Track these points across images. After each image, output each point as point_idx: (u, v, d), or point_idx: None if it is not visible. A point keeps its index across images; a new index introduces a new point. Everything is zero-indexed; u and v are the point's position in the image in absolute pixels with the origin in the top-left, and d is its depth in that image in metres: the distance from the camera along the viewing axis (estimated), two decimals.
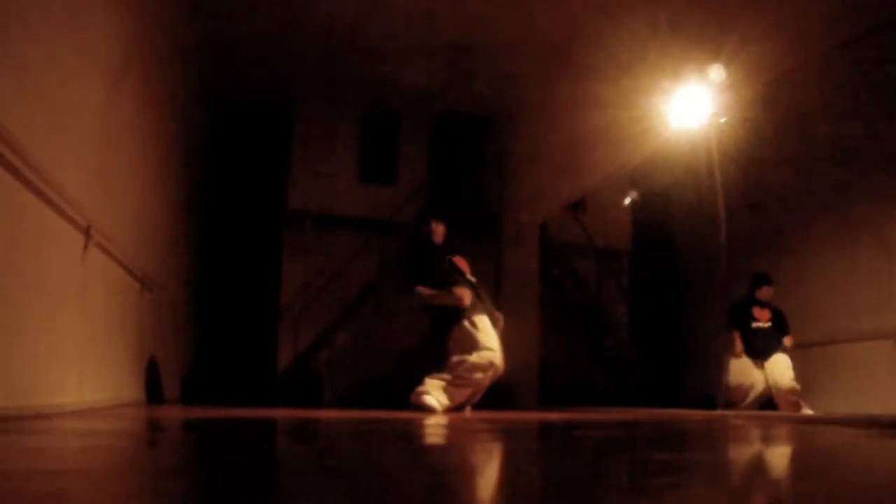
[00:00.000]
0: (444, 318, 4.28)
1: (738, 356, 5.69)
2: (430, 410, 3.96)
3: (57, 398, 2.92)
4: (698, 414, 5.11)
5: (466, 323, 4.18)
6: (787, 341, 5.56)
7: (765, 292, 5.74)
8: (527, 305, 7.99)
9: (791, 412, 5.28)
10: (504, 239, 8.57)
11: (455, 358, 4.14)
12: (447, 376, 4.13)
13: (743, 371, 5.63)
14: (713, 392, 7.14)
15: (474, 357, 4.09)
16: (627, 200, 9.36)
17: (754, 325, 5.68)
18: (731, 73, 4.75)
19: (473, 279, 4.47)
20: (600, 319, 9.25)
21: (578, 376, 8.74)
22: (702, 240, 8.25)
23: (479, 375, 4.10)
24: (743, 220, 7.09)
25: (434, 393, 4.07)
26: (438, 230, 4.55)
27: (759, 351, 5.59)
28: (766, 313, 5.69)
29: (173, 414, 3.61)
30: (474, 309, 4.23)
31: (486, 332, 4.18)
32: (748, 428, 3.16)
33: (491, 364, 4.12)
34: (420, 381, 4.18)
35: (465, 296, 4.20)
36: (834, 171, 6.31)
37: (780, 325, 5.65)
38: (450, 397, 4.10)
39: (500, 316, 4.46)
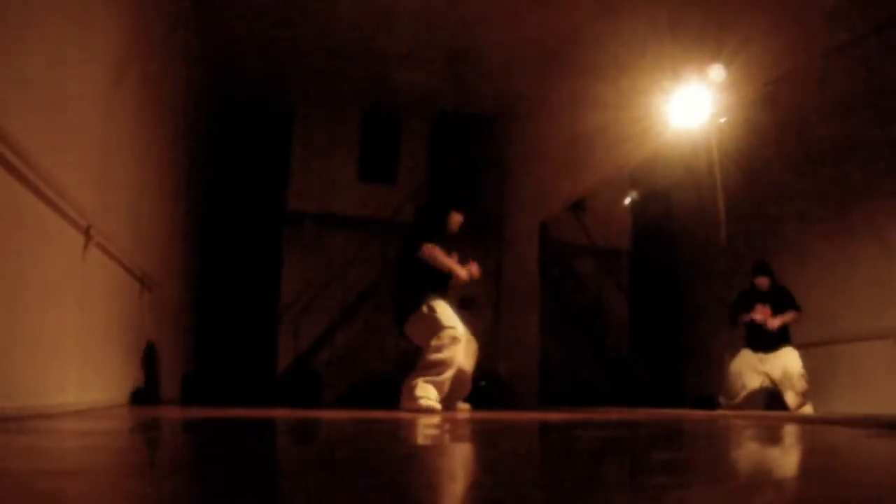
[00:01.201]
0: (403, 308, 4.29)
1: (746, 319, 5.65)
2: (430, 411, 3.94)
3: (57, 398, 2.92)
4: (698, 414, 5.11)
5: (424, 308, 4.16)
6: (787, 317, 5.45)
7: (761, 281, 5.69)
8: (527, 305, 8.00)
9: (797, 402, 5.26)
10: (504, 239, 8.57)
11: (423, 353, 4.15)
12: (420, 374, 4.11)
13: (744, 364, 5.59)
14: (713, 392, 7.14)
15: (434, 341, 4.07)
16: (627, 200, 9.35)
17: (761, 325, 5.60)
18: (731, 73, 4.75)
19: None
20: (600, 319, 9.25)
21: (578, 376, 8.73)
22: (702, 240, 8.26)
23: (445, 354, 4.04)
24: (743, 220, 7.10)
25: (422, 393, 4.04)
26: (455, 220, 4.52)
27: (764, 344, 5.53)
28: (768, 310, 5.63)
29: (173, 414, 3.61)
30: (432, 295, 4.22)
31: (444, 313, 4.14)
32: (748, 428, 3.16)
33: (453, 339, 4.07)
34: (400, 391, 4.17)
35: (462, 274, 4.28)
36: (834, 170, 6.31)
37: (782, 310, 5.50)
38: (437, 389, 4.07)
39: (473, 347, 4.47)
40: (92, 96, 3.49)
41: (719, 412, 5.53)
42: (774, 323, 5.43)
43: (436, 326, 4.09)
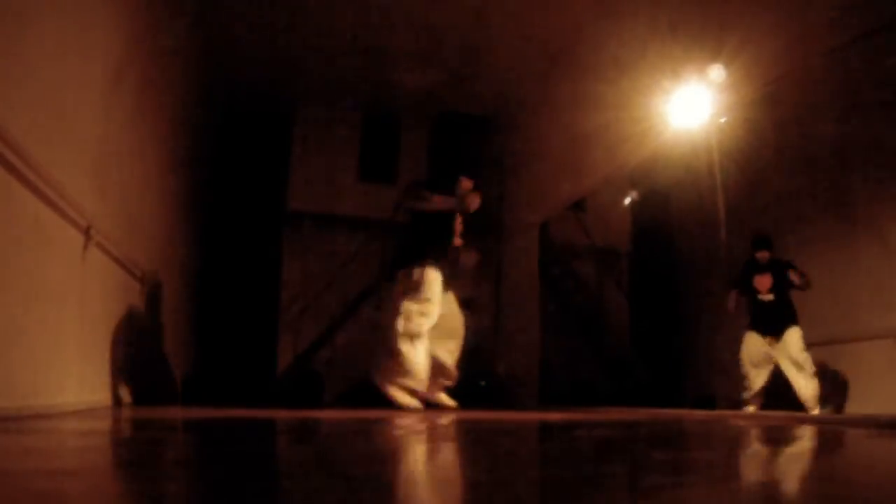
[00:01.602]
0: (401, 260, 4.28)
1: (730, 310, 5.70)
2: (409, 409, 3.97)
3: (57, 398, 2.92)
4: (698, 414, 5.11)
5: (417, 270, 4.12)
6: (794, 277, 5.39)
7: (762, 255, 5.67)
8: (527, 305, 8.00)
9: (811, 388, 5.23)
10: (504, 239, 8.57)
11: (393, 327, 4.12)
12: (391, 370, 4.08)
13: (754, 351, 5.56)
14: (713, 392, 7.13)
15: (411, 305, 4.05)
16: (627, 200, 9.36)
17: (759, 297, 5.58)
18: (731, 73, 4.75)
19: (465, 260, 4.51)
20: (600, 319, 9.25)
21: (578, 376, 8.74)
22: (702, 240, 8.26)
23: (418, 322, 4.04)
24: (743, 220, 7.09)
25: (399, 399, 4.05)
26: (465, 186, 4.45)
27: (770, 328, 5.51)
28: (767, 281, 5.53)
29: (173, 414, 3.61)
30: (431, 259, 4.20)
31: (430, 286, 4.12)
32: (748, 428, 3.16)
33: (421, 314, 4.05)
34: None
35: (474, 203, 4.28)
36: (834, 171, 6.31)
37: (783, 283, 5.48)
38: (412, 381, 4.06)
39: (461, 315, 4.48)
40: (92, 96, 3.49)
41: (718, 412, 5.53)
42: (796, 278, 5.38)
43: (415, 292, 4.09)
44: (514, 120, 8.60)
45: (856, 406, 5.74)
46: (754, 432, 2.85)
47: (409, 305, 4.07)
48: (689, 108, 5.34)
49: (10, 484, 0.95)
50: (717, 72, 4.81)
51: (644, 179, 8.98)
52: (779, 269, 5.52)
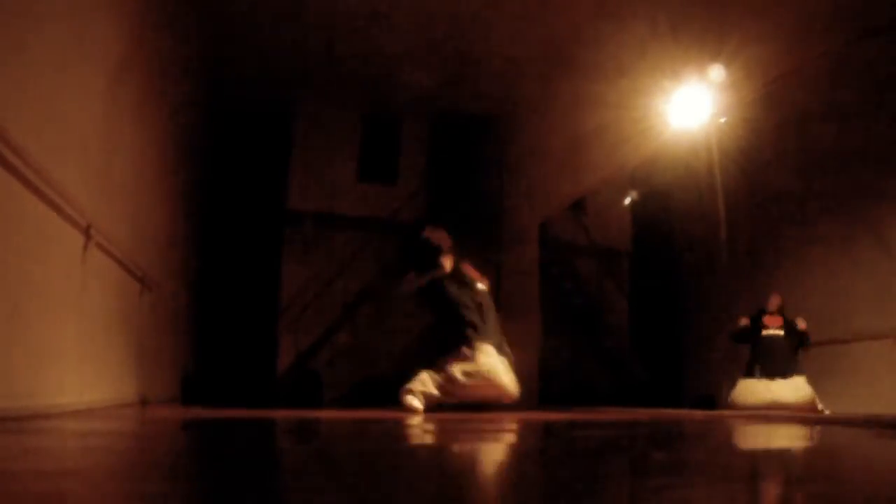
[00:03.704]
0: (449, 331, 4.19)
1: (742, 323, 5.62)
2: (411, 409, 3.92)
3: (57, 398, 2.92)
4: (698, 414, 5.10)
5: (465, 349, 4.07)
6: (800, 324, 5.38)
7: (772, 302, 5.58)
8: (527, 305, 8.00)
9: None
10: (504, 239, 8.57)
11: (451, 371, 4.06)
12: (440, 379, 4.04)
13: (751, 392, 5.39)
14: (713, 392, 7.12)
15: (462, 377, 4.02)
16: (627, 200, 9.36)
17: (765, 332, 5.46)
18: (731, 73, 4.75)
19: (485, 286, 4.42)
20: (600, 319, 9.25)
21: (578, 376, 8.73)
22: (702, 240, 8.26)
23: (466, 385, 4.03)
24: (743, 221, 7.10)
25: (421, 388, 4.01)
26: (447, 263, 4.36)
27: (774, 369, 5.35)
28: (778, 319, 5.50)
29: (173, 414, 3.61)
30: (482, 335, 4.14)
31: (486, 356, 4.10)
32: (748, 428, 3.16)
33: (486, 381, 4.05)
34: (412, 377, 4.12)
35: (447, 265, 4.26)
36: (834, 171, 6.31)
37: (793, 332, 5.42)
38: (443, 393, 4.04)
39: (508, 351, 4.46)
40: (92, 96, 3.49)
41: (718, 412, 5.52)
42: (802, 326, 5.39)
43: (470, 364, 4.05)
44: (514, 120, 8.60)
45: (856, 406, 5.74)
46: (753, 433, 2.85)
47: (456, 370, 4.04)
48: (689, 108, 5.34)
49: (11, 484, 0.95)
50: (717, 72, 4.81)
51: (644, 179, 8.98)
52: (788, 326, 5.48)
